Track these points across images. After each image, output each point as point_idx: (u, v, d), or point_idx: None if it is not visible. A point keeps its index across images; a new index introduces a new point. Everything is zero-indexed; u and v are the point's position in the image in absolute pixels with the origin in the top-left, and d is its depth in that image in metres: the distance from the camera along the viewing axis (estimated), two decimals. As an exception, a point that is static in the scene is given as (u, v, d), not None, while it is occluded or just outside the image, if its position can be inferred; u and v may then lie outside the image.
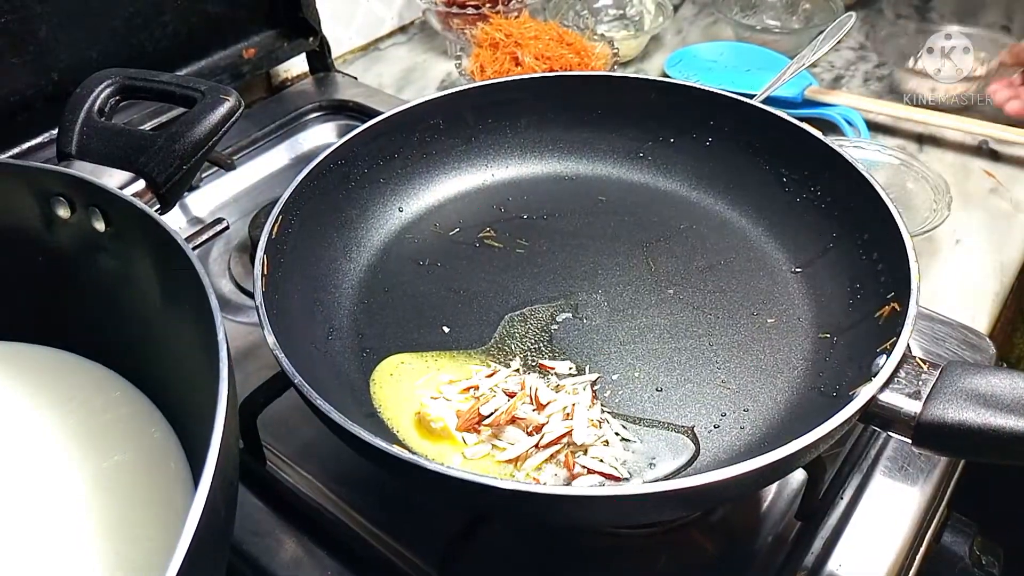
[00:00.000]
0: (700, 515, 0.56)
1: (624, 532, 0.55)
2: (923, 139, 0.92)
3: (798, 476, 0.57)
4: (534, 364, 0.58)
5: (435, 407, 0.53)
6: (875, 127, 0.93)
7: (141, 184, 0.53)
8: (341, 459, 0.57)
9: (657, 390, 0.56)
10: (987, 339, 0.67)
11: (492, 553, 0.53)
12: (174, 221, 0.81)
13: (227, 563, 0.40)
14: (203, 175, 0.84)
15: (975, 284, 0.75)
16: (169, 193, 0.53)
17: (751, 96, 0.76)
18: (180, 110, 0.57)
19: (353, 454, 0.47)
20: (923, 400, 0.45)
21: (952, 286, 0.75)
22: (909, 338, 0.48)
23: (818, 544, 0.54)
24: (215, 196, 0.85)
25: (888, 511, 0.56)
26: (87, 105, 0.54)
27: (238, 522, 0.55)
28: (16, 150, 0.76)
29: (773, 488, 0.57)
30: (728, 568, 0.54)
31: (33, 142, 0.77)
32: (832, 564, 0.53)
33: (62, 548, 0.44)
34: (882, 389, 0.46)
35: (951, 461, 0.59)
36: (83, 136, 0.54)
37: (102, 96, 0.55)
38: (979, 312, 0.73)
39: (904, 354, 0.47)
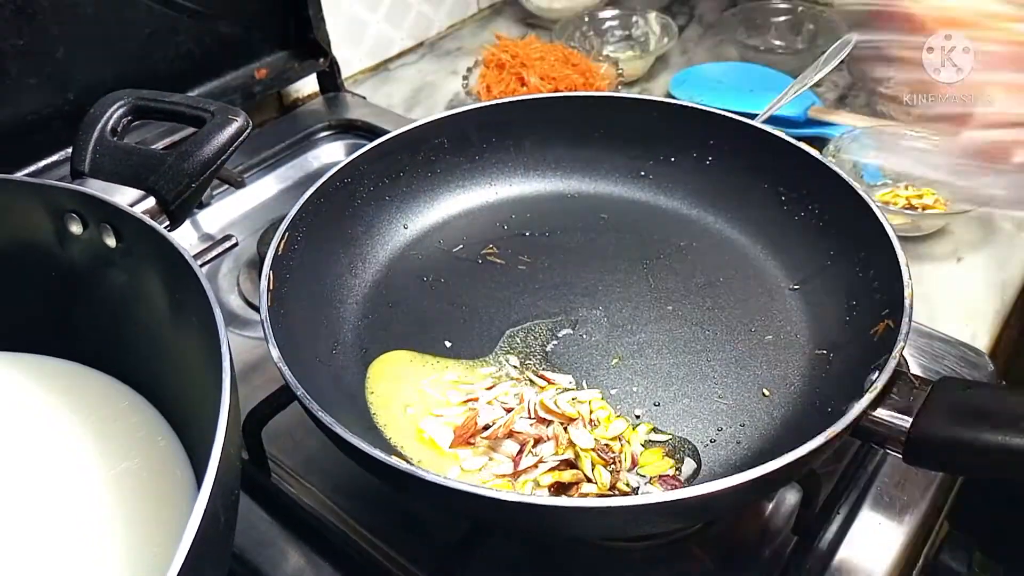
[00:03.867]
0: (699, 529, 0.56)
1: (622, 545, 0.56)
2: (926, 158, 0.93)
3: (796, 491, 0.57)
4: (534, 378, 0.59)
5: (430, 426, 0.54)
6: (878, 146, 0.93)
7: (151, 202, 0.54)
8: (343, 471, 0.58)
9: (655, 404, 0.57)
10: (985, 357, 0.67)
11: (489, 564, 0.54)
12: (185, 238, 0.82)
13: (228, 570, 0.41)
14: (214, 193, 0.85)
15: (976, 302, 0.75)
16: (178, 210, 0.55)
17: (754, 116, 0.77)
18: (192, 130, 0.59)
19: (355, 467, 0.48)
20: (913, 415, 0.45)
21: (953, 304, 0.75)
22: (901, 355, 0.48)
23: (814, 559, 0.54)
24: (225, 213, 0.86)
25: (884, 527, 0.56)
26: (100, 125, 0.56)
27: (243, 532, 0.57)
28: (33, 168, 0.78)
29: (771, 503, 0.58)
30: (725, 582, 0.55)
31: (50, 160, 0.79)
32: (827, 578, 0.53)
33: (77, 550, 0.45)
34: (873, 405, 0.46)
35: (948, 478, 0.60)
36: (96, 155, 0.55)
37: (115, 116, 0.57)
38: (980, 330, 0.73)
39: (897, 371, 0.48)
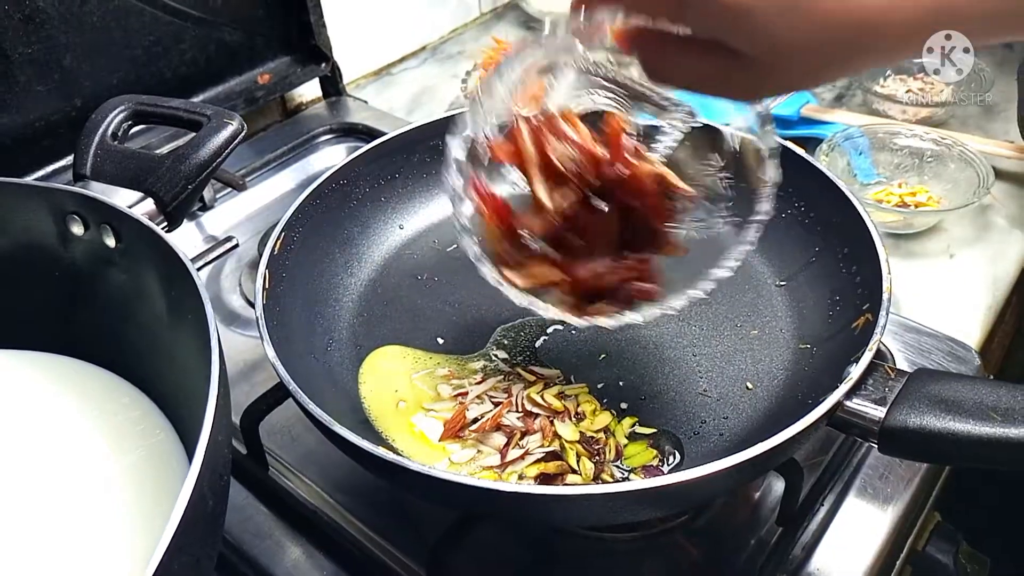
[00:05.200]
0: (685, 520, 0.57)
1: (610, 536, 0.57)
2: (921, 156, 0.93)
3: (782, 483, 0.58)
4: (523, 373, 0.60)
5: (421, 420, 0.56)
6: (873, 145, 0.94)
7: (150, 203, 0.56)
8: (339, 466, 0.60)
9: (641, 398, 0.58)
10: (973, 351, 0.68)
11: (478, 557, 0.55)
12: (189, 239, 0.84)
13: (218, 553, 0.42)
14: (217, 196, 0.87)
15: (968, 298, 0.76)
16: (176, 211, 0.56)
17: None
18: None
19: (350, 461, 0.50)
20: (887, 406, 0.46)
21: (945, 300, 0.76)
22: (886, 348, 0.49)
23: (798, 549, 0.55)
24: (229, 216, 0.88)
25: (867, 518, 0.57)
26: (101, 129, 0.58)
27: (241, 524, 0.58)
28: (41, 172, 0.80)
29: (757, 494, 0.59)
30: (710, 571, 0.56)
31: (57, 165, 0.81)
32: (811, 567, 0.54)
33: (83, 539, 0.47)
34: (849, 395, 0.47)
35: (932, 471, 0.61)
36: (97, 158, 0.57)
37: (115, 121, 0.59)
38: (972, 326, 0.74)
39: (873, 362, 0.49)
